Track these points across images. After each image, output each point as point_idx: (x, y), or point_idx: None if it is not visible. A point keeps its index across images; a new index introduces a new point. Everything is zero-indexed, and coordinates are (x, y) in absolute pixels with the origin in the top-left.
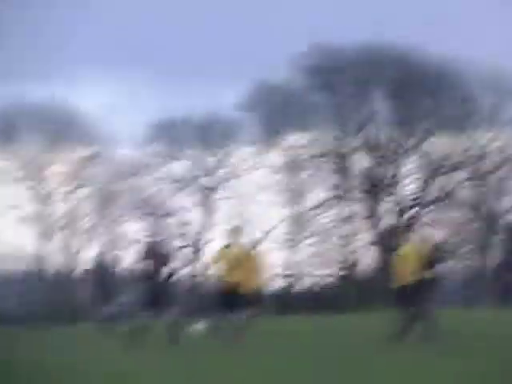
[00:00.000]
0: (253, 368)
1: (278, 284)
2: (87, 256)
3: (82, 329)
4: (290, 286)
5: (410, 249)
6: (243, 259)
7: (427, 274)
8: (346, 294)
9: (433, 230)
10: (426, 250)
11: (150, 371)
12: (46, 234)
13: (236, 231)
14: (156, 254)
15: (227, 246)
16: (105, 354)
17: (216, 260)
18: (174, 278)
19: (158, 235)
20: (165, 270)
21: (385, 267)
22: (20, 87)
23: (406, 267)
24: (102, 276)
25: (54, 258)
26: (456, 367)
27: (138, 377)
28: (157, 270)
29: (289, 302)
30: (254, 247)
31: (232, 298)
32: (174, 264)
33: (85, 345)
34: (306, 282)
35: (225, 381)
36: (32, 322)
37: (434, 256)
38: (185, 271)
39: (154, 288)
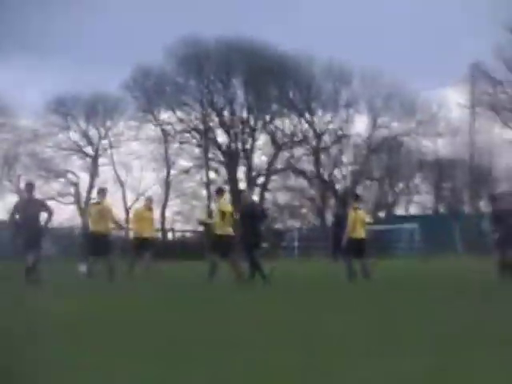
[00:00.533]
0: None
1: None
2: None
3: None
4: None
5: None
6: (106, 213)
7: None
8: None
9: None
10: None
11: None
12: None
13: (102, 192)
14: (29, 207)
15: (96, 203)
16: None
17: (88, 214)
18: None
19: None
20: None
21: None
22: None
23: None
24: None
25: None
26: None
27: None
28: (29, 220)
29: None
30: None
31: (98, 244)
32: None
33: None
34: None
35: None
36: None
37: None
38: (71, 223)
39: (28, 233)
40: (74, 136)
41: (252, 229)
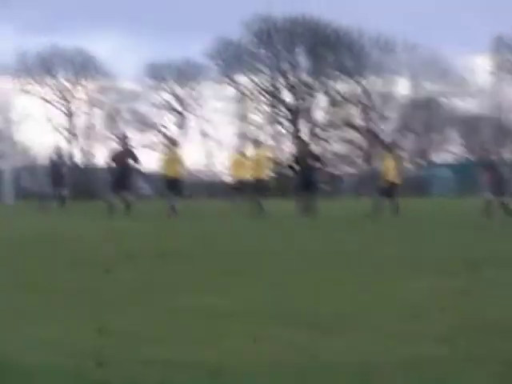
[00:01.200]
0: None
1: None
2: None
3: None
4: None
5: None
6: (177, 160)
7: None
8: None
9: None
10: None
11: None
12: (71, 139)
13: (174, 141)
14: (123, 155)
15: (168, 151)
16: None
17: (162, 160)
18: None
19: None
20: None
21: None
22: (53, 37)
23: None
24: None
25: (77, 155)
26: None
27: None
28: (122, 166)
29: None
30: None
31: (170, 184)
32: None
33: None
34: None
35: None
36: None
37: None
38: None
39: (119, 177)
40: (166, 96)
41: (307, 172)
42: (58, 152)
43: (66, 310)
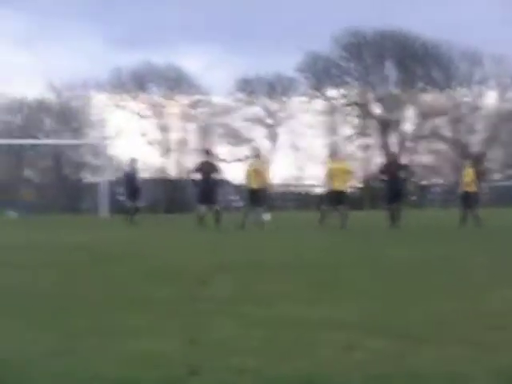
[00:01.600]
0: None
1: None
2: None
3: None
4: None
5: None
6: (261, 171)
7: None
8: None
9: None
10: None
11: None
12: (165, 153)
13: (257, 152)
14: (207, 167)
15: (251, 164)
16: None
17: (246, 172)
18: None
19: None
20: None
21: None
22: (146, 53)
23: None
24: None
25: (171, 169)
26: None
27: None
28: (206, 178)
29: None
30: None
31: (253, 197)
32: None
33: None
34: None
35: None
36: (154, 211)
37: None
38: None
39: (205, 189)
40: (258, 110)
41: (395, 182)
42: (133, 164)
43: (159, 322)
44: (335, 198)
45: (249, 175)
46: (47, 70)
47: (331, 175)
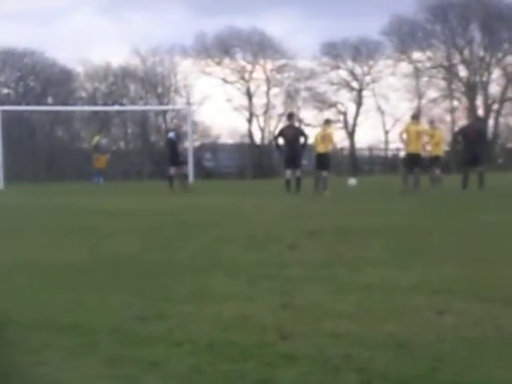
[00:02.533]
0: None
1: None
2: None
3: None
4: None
5: None
6: (328, 136)
7: None
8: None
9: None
10: None
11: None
12: (250, 119)
13: (328, 121)
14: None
15: (323, 129)
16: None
17: (314, 138)
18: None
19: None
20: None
21: None
22: (231, 19)
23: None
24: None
25: (256, 134)
26: None
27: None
28: (290, 143)
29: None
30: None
31: (321, 160)
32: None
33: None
34: None
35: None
36: (241, 177)
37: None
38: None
39: (290, 153)
40: (343, 73)
41: (473, 146)
42: (177, 129)
43: (250, 287)
44: (411, 161)
45: (316, 140)
46: (131, 36)
47: (408, 138)
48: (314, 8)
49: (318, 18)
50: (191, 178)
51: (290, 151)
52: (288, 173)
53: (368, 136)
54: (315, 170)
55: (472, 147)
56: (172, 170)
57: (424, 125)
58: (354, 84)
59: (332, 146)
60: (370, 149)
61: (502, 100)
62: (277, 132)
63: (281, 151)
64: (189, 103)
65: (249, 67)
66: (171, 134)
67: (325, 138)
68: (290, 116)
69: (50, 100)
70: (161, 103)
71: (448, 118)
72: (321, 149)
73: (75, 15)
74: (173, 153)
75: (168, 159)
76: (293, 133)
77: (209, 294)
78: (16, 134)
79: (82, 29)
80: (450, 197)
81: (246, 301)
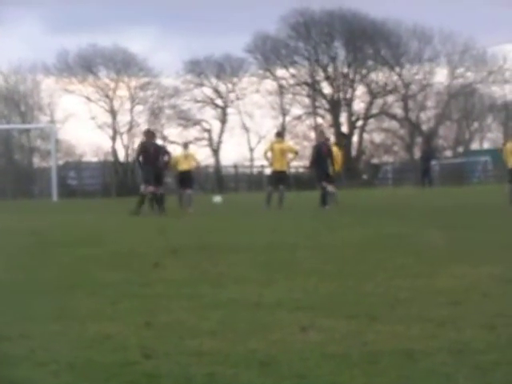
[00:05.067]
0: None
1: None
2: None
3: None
4: None
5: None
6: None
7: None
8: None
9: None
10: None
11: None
12: (114, 137)
13: (186, 145)
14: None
15: (182, 150)
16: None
17: (175, 159)
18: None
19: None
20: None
21: None
22: (91, 37)
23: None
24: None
25: (120, 152)
26: None
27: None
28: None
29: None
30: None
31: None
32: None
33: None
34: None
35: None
36: (105, 195)
37: None
38: (205, 163)
39: (153, 171)
40: (207, 91)
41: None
42: None
43: (113, 305)
44: (276, 179)
45: (176, 160)
46: None
47: (273, 156)
48: (173, 25)
49: (178, 35)
50: (55, 197)
51: (149, 169)
52: (149, 193)
53: (233, 153)
54: (178, 188)
55: (324, 164)
56: None
57: (288, 142)
58: (219, 101)
59: (196, 163)
60: (236, 166)
61: (366, 116)
62: (137, 149)
63: (142, 169)
64: (52, 121)
65: (112, 85)
66: None
67: (187, 156)
68: (150, 133)
69: None
70: (24, 121)
71: (312, 134)
72: (184, 166)
73: None
74: None
75: None
76: (156, 150)
77: (71, 313)
78: None
79: None
80: (315, 213)
81: (109, 320)
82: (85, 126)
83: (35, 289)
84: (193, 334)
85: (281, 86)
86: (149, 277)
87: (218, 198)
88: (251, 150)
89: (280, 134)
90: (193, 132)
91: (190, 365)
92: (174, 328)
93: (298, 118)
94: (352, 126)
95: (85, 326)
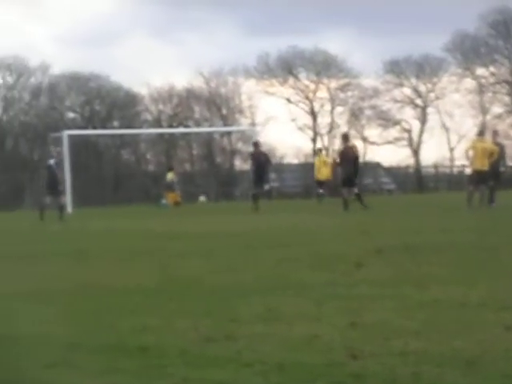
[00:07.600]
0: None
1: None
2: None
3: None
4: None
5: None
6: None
7: None
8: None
9: None
10: None
11: None
12: (314, 138)
13: (345, 135)
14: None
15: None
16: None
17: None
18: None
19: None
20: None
21: None
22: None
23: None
24: None
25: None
26: None
27: None
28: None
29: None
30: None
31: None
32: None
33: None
34: None
35: None
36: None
37: None
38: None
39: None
40: (407, 91)
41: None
42: (57, 158)
43: (318, 307)
44: (477, 178)
45: (318, 167)
46: (188, 57)
47: (474, 155)
48: (371, 26)
49: (376, 36)
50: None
51: (345, 170)
52: (345, 191)
53: (433, 153)
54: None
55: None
56: (48, 200)
57: (490, 141)
58: (418, 101)
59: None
60: (436, 166)
61: None
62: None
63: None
64: (253, 124)
65: (312, 86)
66: (51, 162)
67: (326, 164)
68: (344, 137)
69: (115, 123)
70: (225, 124)
71: None
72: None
73: (130, 38)
74: (52, 181)
75: (46, 187)
76: (350, 153)
77: (277, 314)
78: (83, 158)
79: (138, 51)
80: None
81: (315, 321)
82: (285, 128)
83: (241, 290)
84: (398, 334)
85: (481, 85)
86: (352, 277)
87: (202, 198)
88: (451, 149)
89: (482, 133)
90: (392, 132)
91: (396, 365)
92: (378, 328)
93: (499, 116)
94: None
95: (291, 327)
